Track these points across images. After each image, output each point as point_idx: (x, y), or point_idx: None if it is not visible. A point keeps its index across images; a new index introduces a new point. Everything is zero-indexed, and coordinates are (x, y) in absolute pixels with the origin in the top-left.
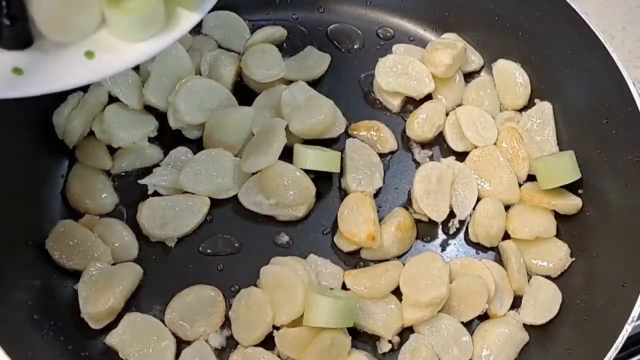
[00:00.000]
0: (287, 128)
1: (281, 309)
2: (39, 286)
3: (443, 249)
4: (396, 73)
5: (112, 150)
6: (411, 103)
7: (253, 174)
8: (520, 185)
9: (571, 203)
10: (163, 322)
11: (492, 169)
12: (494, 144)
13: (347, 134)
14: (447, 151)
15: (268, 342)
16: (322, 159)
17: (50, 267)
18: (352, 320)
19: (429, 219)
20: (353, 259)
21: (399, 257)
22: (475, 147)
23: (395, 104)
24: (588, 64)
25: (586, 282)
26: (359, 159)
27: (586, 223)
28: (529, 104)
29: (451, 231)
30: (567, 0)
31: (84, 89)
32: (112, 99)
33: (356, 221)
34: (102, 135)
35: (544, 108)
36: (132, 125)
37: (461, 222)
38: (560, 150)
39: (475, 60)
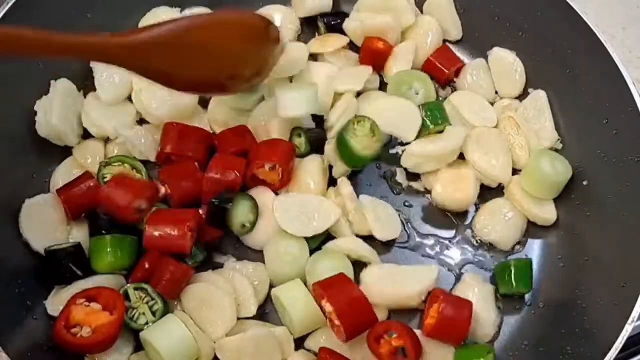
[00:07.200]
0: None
1: (214, 323)
2: (38, 287)
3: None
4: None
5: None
6: None
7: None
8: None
9: (545, 217)
10: None
11: (490, 146)
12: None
13: None
14: None
15: None
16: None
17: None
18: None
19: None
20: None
21: None
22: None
23: None
24: (588, 64)
25: (586, 282)
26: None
27: (586, 223)
28: (524, 94)
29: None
30: (567, 0)
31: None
32: (88, 90)
33: None
34: (92, 129)
35: (539, 96)
36: (113, 113)
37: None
38: (561, 141)
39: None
